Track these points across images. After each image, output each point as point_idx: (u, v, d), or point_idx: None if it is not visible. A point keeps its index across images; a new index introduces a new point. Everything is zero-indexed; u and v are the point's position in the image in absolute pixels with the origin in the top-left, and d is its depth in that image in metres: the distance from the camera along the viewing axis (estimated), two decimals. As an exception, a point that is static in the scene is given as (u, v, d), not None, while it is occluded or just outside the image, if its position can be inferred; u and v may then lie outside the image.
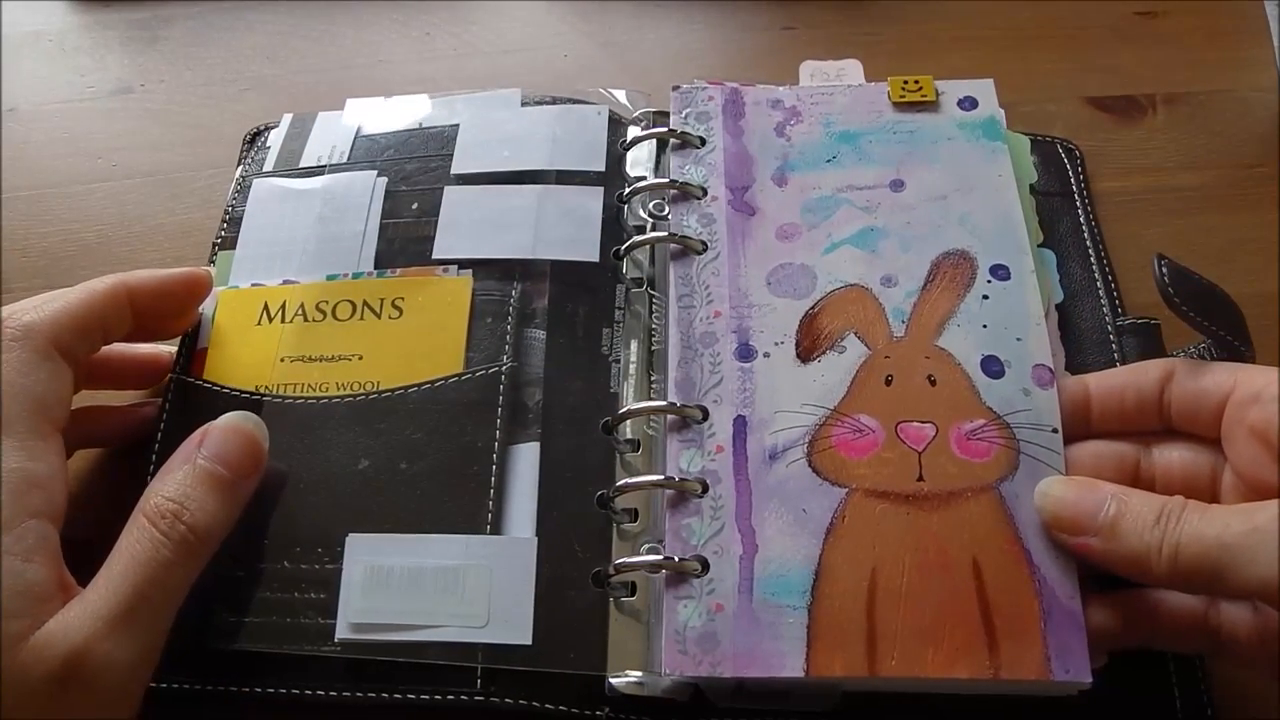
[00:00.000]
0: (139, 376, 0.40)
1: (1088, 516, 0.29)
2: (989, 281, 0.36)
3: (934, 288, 0.36)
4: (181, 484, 0.31)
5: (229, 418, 0.33)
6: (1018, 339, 0.35)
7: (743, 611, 0.31)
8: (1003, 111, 0.41)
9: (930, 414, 0.33)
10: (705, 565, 0.32)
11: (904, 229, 0.38)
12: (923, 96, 0.41)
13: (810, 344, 0.36)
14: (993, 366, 0.34)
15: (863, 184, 0.39)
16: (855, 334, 0.35)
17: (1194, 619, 0.30)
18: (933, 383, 0.34)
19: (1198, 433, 0.32)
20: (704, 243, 0.39)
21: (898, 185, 0.39)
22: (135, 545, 0.30)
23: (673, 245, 0.39)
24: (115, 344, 0.37)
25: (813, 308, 0.36)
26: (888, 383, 0.34)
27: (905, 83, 0.41)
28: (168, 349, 0.40)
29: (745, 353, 0.36)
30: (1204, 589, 0.28)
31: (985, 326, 0.35)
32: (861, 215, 0.38)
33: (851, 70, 0.44)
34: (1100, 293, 0.40)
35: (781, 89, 0.43)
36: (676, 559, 0.32)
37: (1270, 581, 0.25)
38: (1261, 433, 0.29)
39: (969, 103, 0.41)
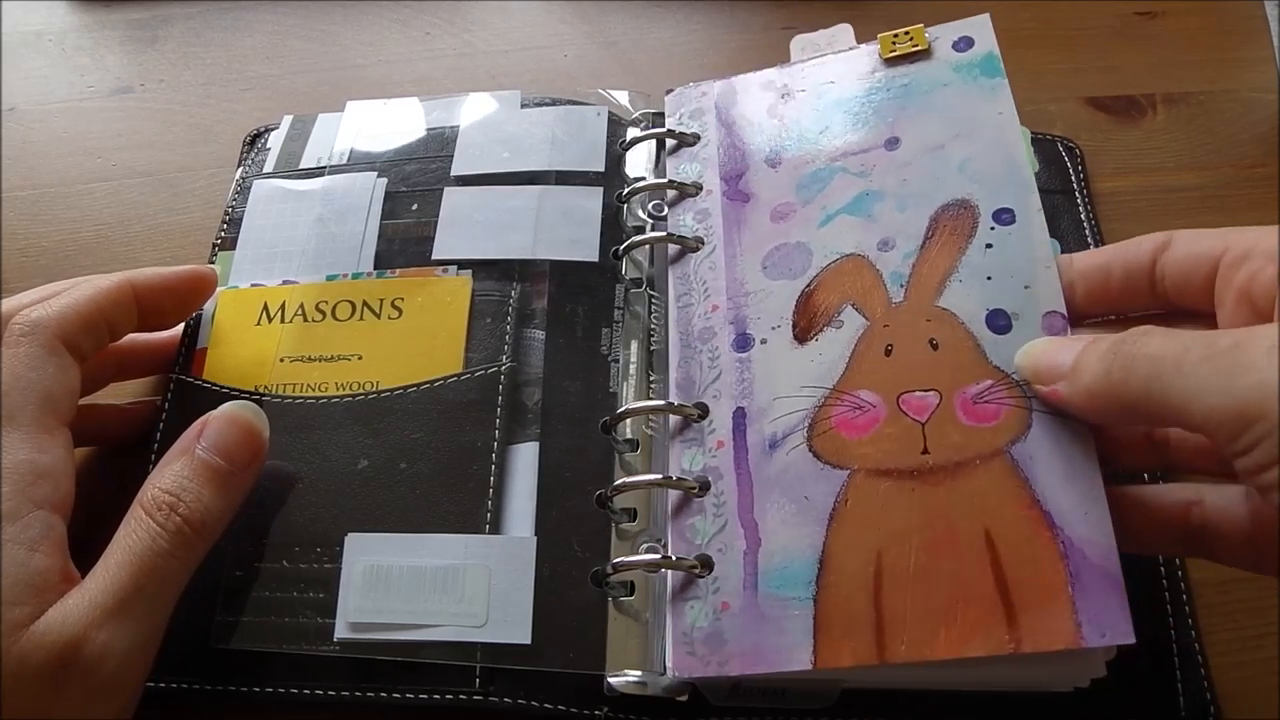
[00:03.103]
0: (164, 362, 0.40)
1: (1060, 363, 0.28)
2: (992, 228, 0.34)
3: (933, 245, 0.34)
4: (178, 475, 0.31)
5: (229, 407, 0.33)
6: (1025, 286, 0.32)
7: (748, 608, 0.30)
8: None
9: (932, 381, 0.31)
10: (709, 564, 0.32)
11: (900, 188, 0.36)
12: (914, 47, 0.39)
13: (807, 323, 0.34)
14: (999, 321, 0.32)
15: (857, 149, 0.38)
16: (853, 306, 0.34)
17: (1177, 515, 0.29)
18: (935, 347, 0.32)
19: (1192, 306, 0.29)
20: (700, 239, 0.38)
21: (893, 143, 0.37)
22: (132, 536, 0.30)
23: (671, 246, 0.39)
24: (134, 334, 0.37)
25: (809, 285, 0.35)
26: (888, 353, 0.32)
27: (895, 37, 0.39)
28: None
29: (743, 343, 0.35)
30: (1150, 414, 0.26)
31: (990, 278, 0.32)
32: (856, 181, 0.37)
33: (842, 35, 0.42)
34: (1100, 292, 0.40)
35: (772, 69, 0.42)
36: (675, 558, 0.32)
37: (1213, 413, 0.23)
38: (1248, 293, 0.27)
39: (964, 43, 0.39)
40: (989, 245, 0.33)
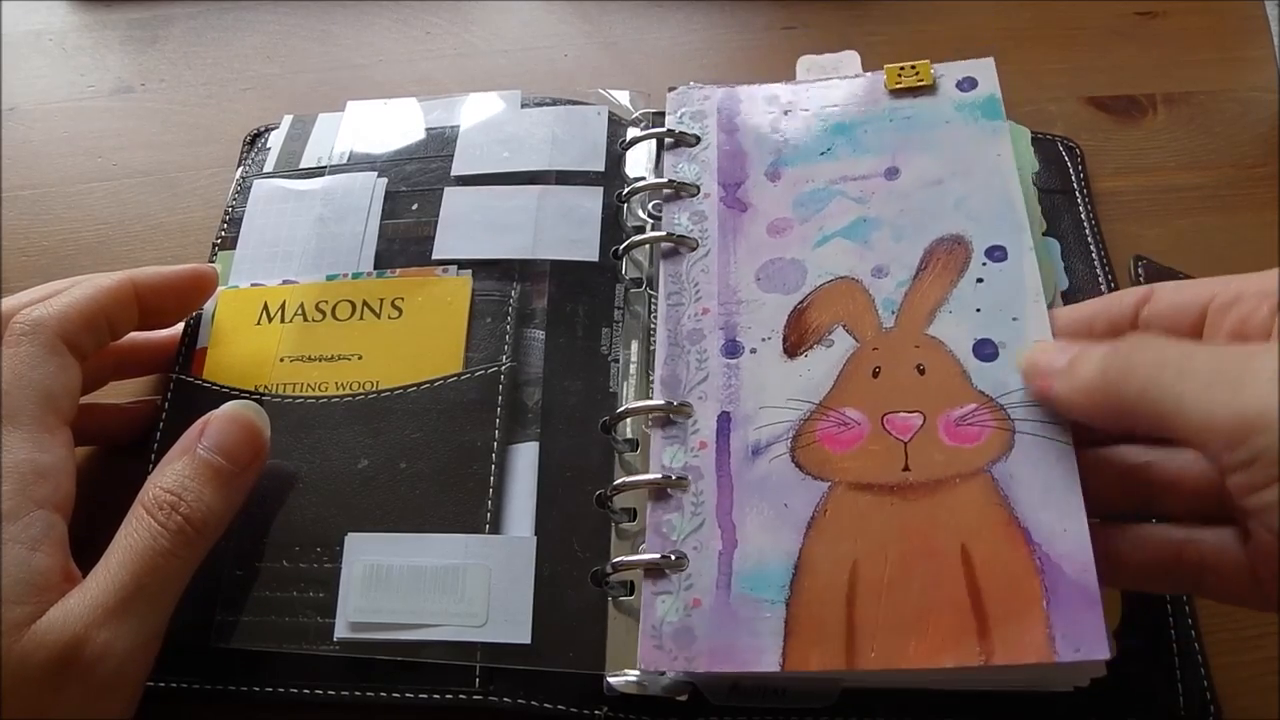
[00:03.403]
0: (163, 361, 0.40)
1: (1057, 360, 0.28)
2: (984, 264, 0.35)
3: (926, 276, 0.35)
4: (180, 475, 0.31)
5: (230, 407, 0.33)
6: (1014, 319, 0.33)
7: (719, 606, 0.31)
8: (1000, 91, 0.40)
9: (917, 404, 0.32)
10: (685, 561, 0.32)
11: (897, 217, 0.37)
12: (919, 81, 0.40)
13: (797, 339, 0.35)
14: (986, 350, 0.33)
15: (857, 174, 0.38)
16: (844, 327, 0.35)
17: (1170, 552, 0.28)
18: (921, 372, 0.33)
19: None
20: (694, 241, 0.38)
21: (893, 173, 0.38)
22: (133, 535, 0.30)
23: (665, 244, 0.39)
24: (134, 333, 0.37)
25: (801, 302, 0.36)
26: (875, 375, 0.33)
27: (902, 70, 0.40)
28: None
29: (732, 349, 0.35)
30: (1142, 416, 0.25)
31: (979, 310, 0.34)
32: (854, 206, 0.38)
33: (848, 61, 0.43)
34: (1102, 289, 0.41)
35: (777, 85, 0.42)
36: (673, 557, 0.32)
37: (1213, 420, 0.23)
38: (1241, 335, 0.26)
39: (968, 83, 0.40)
40: (980, 280, 0.35)
